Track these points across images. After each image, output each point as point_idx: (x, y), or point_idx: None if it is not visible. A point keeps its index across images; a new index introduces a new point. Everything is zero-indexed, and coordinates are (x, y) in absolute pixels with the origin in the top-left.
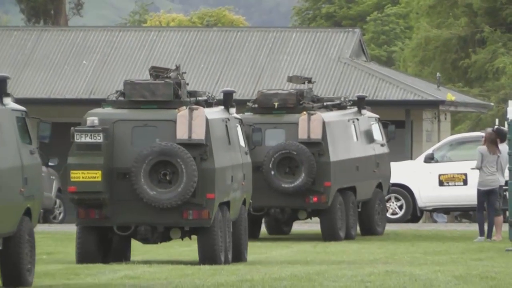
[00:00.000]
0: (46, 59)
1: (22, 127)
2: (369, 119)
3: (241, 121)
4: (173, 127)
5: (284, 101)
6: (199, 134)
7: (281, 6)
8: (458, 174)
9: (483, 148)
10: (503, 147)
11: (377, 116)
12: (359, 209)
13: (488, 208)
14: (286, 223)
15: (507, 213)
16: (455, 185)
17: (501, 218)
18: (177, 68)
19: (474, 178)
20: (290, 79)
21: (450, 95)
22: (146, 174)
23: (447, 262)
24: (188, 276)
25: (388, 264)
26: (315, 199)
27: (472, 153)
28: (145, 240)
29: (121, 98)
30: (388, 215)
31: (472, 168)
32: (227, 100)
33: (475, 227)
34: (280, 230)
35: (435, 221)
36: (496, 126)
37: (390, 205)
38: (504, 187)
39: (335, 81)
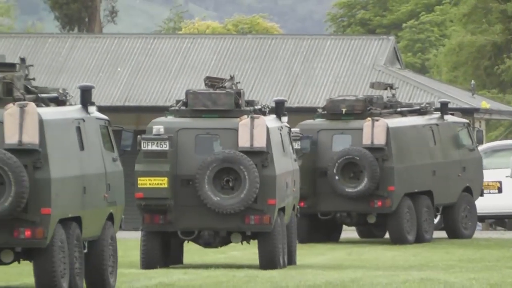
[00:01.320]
0: (80, 66)
1: (105, 135)
2: (455, 125)
3: (290, 129)
4: (235, 136)
5: (352, 107)
6: (260, 142)
7: (315, 14)
8: (492, 182)
9: None
10: None
11: (466, 121)
12: (438, 213)
13: None
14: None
15: None
16: (489, 193)
17: None
18: (232, 78)
19: (508, 186)
20: (372, 85)
21: (485, 103)
22: (210, 181)
23: (482, 270)
24: (223, 284)
25: (423, 271)
26: (379, 203)
27: (506, 161)
28: (207, 244)
29: (183, 108)
30: None
31: (507, 176)
32: (279, 109)
33: (510, 235)
34: (372, 234)
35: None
36: None
37: None
38: None
39: (369, 88)
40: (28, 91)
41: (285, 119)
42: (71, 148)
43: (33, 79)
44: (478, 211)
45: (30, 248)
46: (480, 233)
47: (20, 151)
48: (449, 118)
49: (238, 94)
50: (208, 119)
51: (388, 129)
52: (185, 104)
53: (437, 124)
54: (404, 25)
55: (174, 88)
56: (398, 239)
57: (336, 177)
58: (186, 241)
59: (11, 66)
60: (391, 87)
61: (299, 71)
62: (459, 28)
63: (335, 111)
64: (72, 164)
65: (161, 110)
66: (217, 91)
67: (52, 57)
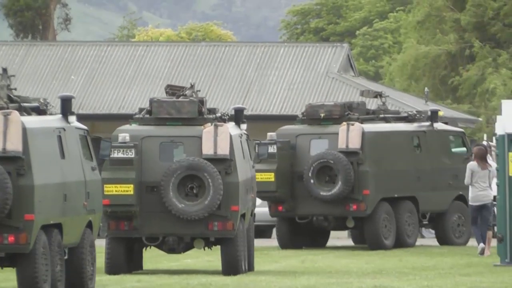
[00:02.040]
0: (34, 74)
1: (84, 144)
2: (446, 133)
3: (248, 136)
4: (198, 143)
5: (330, 112)
6: (224, 149)
7: (269, 21)
8: None
9: (473, 164)
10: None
11: (461, 130)
12: (425, 219)
13: (480, 223)
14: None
15: (495, 228)
16: None
17: (491, 233)
18: (192, 86)
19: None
20: (362, 93)
21: (440, 111)
22: (175, 188)
23: (435, 277)
24: None
25: (376, 279)
26: (354, 207)
27: None
28: (171, 250)
29: (147, 116)
30: None
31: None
32: (239, 117)
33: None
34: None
35: (423, 237)
36: (484, 141)
37: None
38: (494, 202)
39: (323, 95)
40: (11, 100)
41: (244, 126)
42: (52, 156)
43: (15, 89)
44: None
45: (13, 254)
46: (433, 241)
47: (4, 158)
48: (439, 126)
49: (201, 102)
50: (172, 127)
51: (363, 133)
52: (149, 112)
53: (424, 132)
54: (357, 32)
55: (128, 96)
56: (375, 244)
57: (312, 181)
58: (149, 247)
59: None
60: (381, 95)
61: (253, 78)
62: (413, 36)
63: (314, 116)
64: (53, 172)
65: (115, 118)
66: (181, 99)
67: (6, 64)
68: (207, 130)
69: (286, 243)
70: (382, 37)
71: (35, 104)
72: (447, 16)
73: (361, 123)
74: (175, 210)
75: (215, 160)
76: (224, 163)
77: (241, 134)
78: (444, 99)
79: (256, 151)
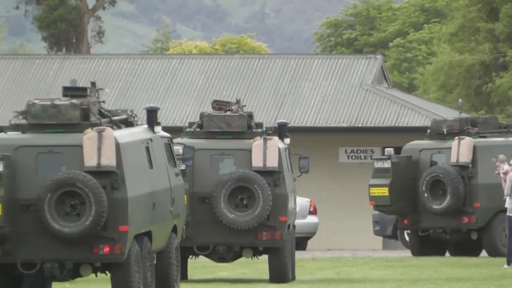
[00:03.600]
0: None
1: (168, 152)
2: None
3: (289, 150)
4: (248, 156)
5: (451, 127)
6: (273, 162)
7: (303, 33)
8: None
9: None
10: None
11: None
12: None
13: None
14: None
15: None
16: None
17: None
18: (238, 101)
19: None
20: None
21: None
22: (226, 199)
23: None
24: None
25: None
26: (466, 219)
27: None
28: (221, 259)
29: (198, 129)
30: None
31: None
32: (282, 131)
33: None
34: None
35: None
36: None
37: None
38: None
39: (357, 107)
40: (102, 115)
41: (287, 140)
42: (142, 168)
43: (103, 101)
44: None
45: (108, 263)
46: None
47: (99, 173)
48: None
49: (250, 116)
50: (223, 140)
51: (475, 147)
52: (200, 126)
53: None
54: (391, 43)
55: (162, 108)
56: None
57: (425, 195)
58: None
59: (83, 90)
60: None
61: (286, 91)
62: (446, 47)
63: (437, 131)
64: (144, 183)
65: None
66: (231, 113)
67: (40, 78)
68: (257, 143)
69: (418, 253)
70: (416, 48)
71: (124, 116)
72: (481, 27)
73: (483, 137)
74: (226, 220)
75: (265, 172)
76: (273, 175)
77: (286, 148)
78: (478, 109)
79: (298, 164)
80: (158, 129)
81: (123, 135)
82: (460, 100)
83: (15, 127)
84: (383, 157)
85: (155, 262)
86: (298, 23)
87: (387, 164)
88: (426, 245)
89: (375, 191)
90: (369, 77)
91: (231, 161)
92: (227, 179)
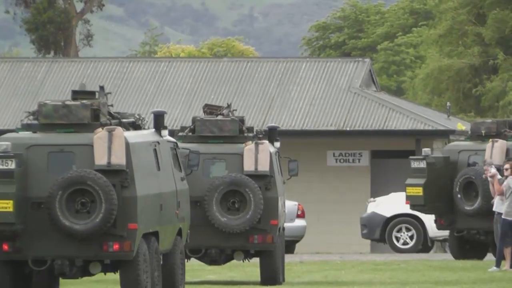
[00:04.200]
0: (56, 90)
1: (174, 156)
2: None
3: (279, 154)
4: (240, 160)
5: (489, 129)
6: (264, 166)
7: (291, 36)
8: None
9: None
10: None
11: None
12: None
13: (507, 237)
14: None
15: None
16: None
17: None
18: (229, 105)
19: None
20: None
21: (460, 125)
22: (218, 202)
23: None
24: None
25: None
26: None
27: None
28: (213, 262)
29: (190, 134)
30: (399, 245)
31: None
32: (272, 135)
33: (486, 257)
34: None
35: (446, 251)
36: None
37: (401, 235)
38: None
39: (345, 111)
40: (111, 116)
41: (277, 144)
42: (150, 169)
43: (111, 105)
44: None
45: (117, 260)
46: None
47: (109, 171)
48: None
49: (242, 121)
50: (214, 144)
51: (508, 150)
52: (192, 130)
53: None
54: (379, 47)
55: (150, 112)
56: None
57: (459, 196)
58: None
59: (91, 94)
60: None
61: (274, 94)
62: (435, 51)
63: (476, 133)
64: (152, 183)
65: None
66: (223, 118)
67: (28, 81)
68: (248, 147)
69: (457, 255)
70: (404, 51)
71: (132, 119)
72: (469, 30)
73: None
74: (217, 223)
75: (256, 176)
76: (264, 179)
77: (276, 152)
78: (467, 112)
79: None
80: (165, 133)
81: (133, 135)
82: (448, 104)
83: (27, 127)
84: (419, 157)
85: (161, 263)
86: (286, 27)
87: (422, 164)
88: (466, 247)
89: (411, 191)
90: (357, 81)
91: (223, 165)
92: (219, 183)
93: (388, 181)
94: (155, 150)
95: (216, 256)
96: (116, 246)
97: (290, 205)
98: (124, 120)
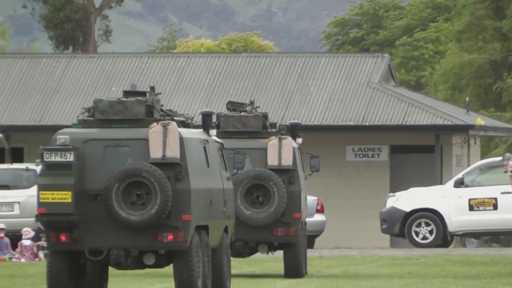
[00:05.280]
0: (75, 86)
1: (221, 156)
2: None
3: (301, 150)
4: (263, 155)
5: None
6: (288, 160)
7: (310, 31)
8: (488, 198)
9: None
10: None
11: None
12: None
13: None
14: None
15: None
16: (485, 210)
17: None
18: (252, 102)
19: (504, 202)
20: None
21: (480, 120)
22: (242, 196)
23: (477, 287)
24: None
25: None
26: None
27: (502, 178)
28: (238, 254)
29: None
30: (419, 240)
31: (502, 193)
32: (294, 131)
33: (505, 251)
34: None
35: (466, 246)
36: None
37: (420, 230)
38: None
39: (364, 106)
40: (164, 113)
41: (299, 140)
42: (201, 165)
43: (162, 105)
44: (474, 228)
45: (170, 251)
46: (475, 250)
47: (164, 164)
48: None
49: (265, 117)
50: (238, 140)
51: None
52: (217, 126)
53: None
54: (397, 42)
55: (168, 107)
56: None
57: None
58: None
59: (142, 94)
60: None
61: (294, 89)
62: (454, 46)
63: None
64: (203, 178)
65: None
66: (246, 114)
67: (47, 77)
68: (272, 143)
69: None
70: (423, 47)
71: (182, 118)
72: (488, 24)
73: None
74: (242, 217)
75: (280, 170)
76: (287, 173)
77: (298, 148)
78: (488, 108)
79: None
80: (213, 132)
81: (185, 131)
82: (467, 99)
83: (83, 122)
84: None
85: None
86: (305, 22)
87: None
88: None
89: None
90: (376, 76)
91: (247, 160)
92: (243, 177)
93: (408, 176)
94: (204, 147)
95: (240, 249)
96: (170, 237)
97: (309, 200)
98: (176, 118)
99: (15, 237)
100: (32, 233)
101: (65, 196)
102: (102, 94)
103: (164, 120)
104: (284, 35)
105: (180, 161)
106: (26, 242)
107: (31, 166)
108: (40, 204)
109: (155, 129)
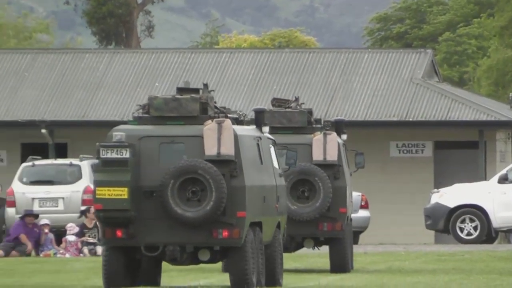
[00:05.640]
0: (118, 81)
1: (273, 153)
2: None
3: (346, 146)
4: (309, 150)
5: None
6: (333, 156)
7: (352, 27)
8: None
9: None
10: None
11: None
12: None
13: None
14: None
15: None
16: None
17: None
18: (297, 99)
19: None
20: None
21: None
22: (288, 191)
23: None
24: None
25: (464, 285)
26: None
27: None
28: (284, 249)
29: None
30: (463, 236)
31: None
32: (339, 127)
33: None
34: None
35: (510, 242)
36: None
37: (465, 226)
38: None
39: (407, 102)
40: (218, 110)
41: (344, 136)
42: (255, 161)
43: (215, 102)
44: None
45: (225, 247)
46: None
47: (219, 161)
48: None
49: (310, 112)
50: (284, 135)
51: None
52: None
53: None
54: (440, 38)
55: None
56: None
57: None
58: None
59: (195, 91)
60: None
61: (337, 85)
62: (497, 42)
63: None
64: (256, 175)
65: None
66: (292, 110)
67: (90, 72)
68: (317, 138)
69: None
70: (466, 42)
71: (235, 115)
72: None
73: None
74: (288, 212)
75: (325, 165)
76: (333, 169)
77: (343, 144)
78: None
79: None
80: (266, 129)
81: (239, 128)
82: (510, 95)
83: (138, 119)
84: None
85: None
86: (347, 17)
87: None
88: None
89: None
90: (420, 71)
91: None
92: (289, 173)
93: (452, 172)
94: (258, 144)
95: (287, 244)
96: (225, 233)
97: (354, 196)
98: (230, 115)
99: (59, 233)
100: (76, 229)
101: (122, 192)
102: (145, 89)
103: (218, 117)
104: (326, 31)
105: (235, 158)
106: (70, 238)
107: (75, 161)
108: (97, 200)
109: (210, 126)
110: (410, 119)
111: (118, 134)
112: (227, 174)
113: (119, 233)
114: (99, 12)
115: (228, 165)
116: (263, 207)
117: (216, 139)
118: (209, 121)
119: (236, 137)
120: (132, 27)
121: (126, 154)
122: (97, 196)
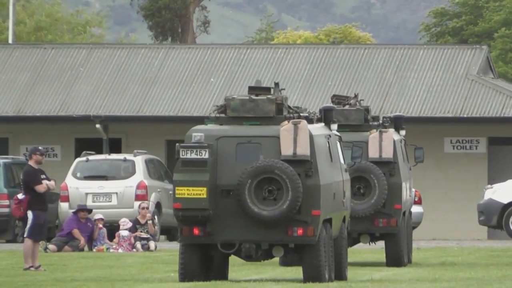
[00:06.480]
0: (173, 76)
1: (340, 149)
2: None
3: (405, 141)
4: (364, 147)
5: None
6: (388, 153)
7: (408, 23)
8: None
9: None
10: None
11: None
12: None
13: None
14: None
15: None
16: None
17: None
18: (356, 96)
19: None
20: None
21: None
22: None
23: None
24: None
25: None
26: None
27: None
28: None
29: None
30: None
31: None
32: (398, 123)
33: None
34: None
35: None
36: None
37: None
38: None
39: (462, 98)
40: (292, 110)
41: (403, 132)
42: (326, 159)
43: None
44: None
45: (300, 245)
46: None
47: (294, 161)
48: None
49: (367, 110)
50: (341, 133)
51: None
52: (319, 119)
53: None
54: (496, 34)
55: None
56: None
57: None
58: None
59: (267, 90)
60: None
61: (392, 81)
62: None
63: None
64: (328, 173)
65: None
66: (349, 108)
67: (145, 67)
68: (373, 135)
69: None
70: None
71: (306, 114)
72: None
73: None
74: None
75: (380, 163)
76: (388, 166)
77: (401, 139)
78: None
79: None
80: (334, 126)
81: (313, 128)
82: None
83: (216, 120)
84: None
85: None
86: (404, 13)
87: None
88: None
89: None
90: (475, 68)
91: (348, 153)
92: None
93: (505, 168)
94: (328, 142)
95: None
96: (300, 231)
97: None
98: (302, 114)
99: (112, 228)
100: (129, 224)
101: (201, 192)
102: (200, 85)
103: (293, 117)
104: (382, 27)
105: (310, 158)
106: (123, 233)
107: (129, 156)
108: (176, 200)
109: (286, 127)
110: (465, 115)
111: (197, 135)
112: (302, 174)
113: (196, 231)
114: (155, 5)
115: (303, 165)
116: (333, 203)
117: (292, 139)
118: (285, 122)
119: (311, 137)
120: (188, 22)
121: (205, 154)
122: (176, 196)
